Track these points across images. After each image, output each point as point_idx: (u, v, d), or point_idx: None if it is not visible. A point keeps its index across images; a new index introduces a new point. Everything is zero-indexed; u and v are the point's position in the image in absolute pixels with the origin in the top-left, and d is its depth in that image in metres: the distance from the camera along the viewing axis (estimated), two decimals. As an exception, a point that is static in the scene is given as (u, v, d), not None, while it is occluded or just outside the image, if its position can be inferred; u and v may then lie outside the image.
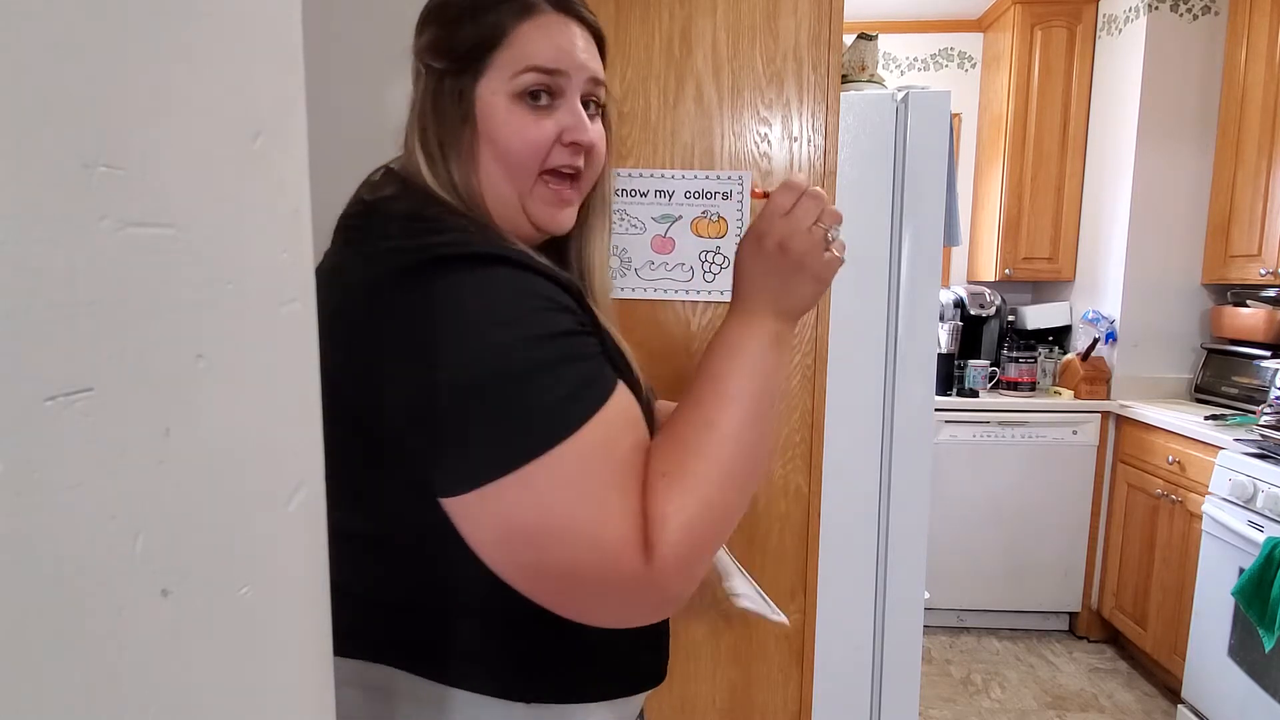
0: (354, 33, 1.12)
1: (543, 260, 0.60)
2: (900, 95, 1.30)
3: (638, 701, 0.73)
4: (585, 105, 0.65)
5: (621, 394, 0.56)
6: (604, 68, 0.68)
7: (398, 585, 0.62)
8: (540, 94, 0.61)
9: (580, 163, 0.64)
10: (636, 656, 0.69)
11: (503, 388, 0.51)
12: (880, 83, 1.43)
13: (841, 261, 0.63)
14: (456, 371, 0.51)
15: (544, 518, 0.50)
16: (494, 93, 0.61)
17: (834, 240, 0.62)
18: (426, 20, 0.65)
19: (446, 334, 0.51)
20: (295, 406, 0.33)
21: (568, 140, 0.62)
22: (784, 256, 0.60)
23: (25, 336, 0.21)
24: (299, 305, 0.33)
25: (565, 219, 0.66)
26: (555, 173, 0.64)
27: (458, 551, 0.57)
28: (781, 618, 0.78)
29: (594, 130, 0.65)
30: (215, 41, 0.28)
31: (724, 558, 0.78)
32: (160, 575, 0.26)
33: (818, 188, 0.61)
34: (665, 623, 0.71)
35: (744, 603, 0.69)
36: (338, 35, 1.12)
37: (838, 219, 0.62)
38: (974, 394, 2.78)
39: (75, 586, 0.23)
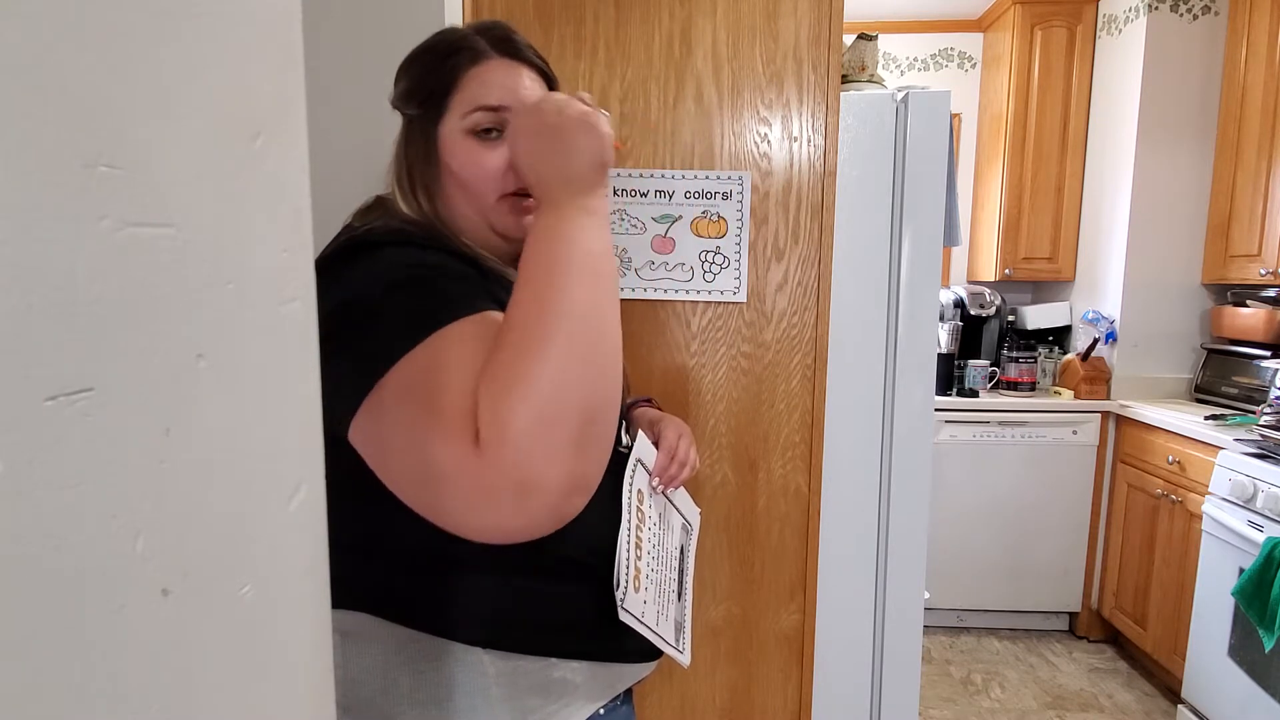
0: (354, 33, 1.12)
1: (461, 246, 0.69)
2: (900, 95, 1.30)
3: (622, 674, 0.74)
4: None
5: (487, 317, 0.59)
6: None
7: (360, 531, 0.65)
8: (491, 129, 0.70)
9: None
10: (608, 620, 0.70)
11: (357, 323, 0.58)
12: (880, 83, 1.43)
13: (591, 108, 0.63)
14: (331, 318, 0.58)
15: (391, 430, 0.55)
16: (451, 131, 0.70)
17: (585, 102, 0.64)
18: (400, 73, 0.74)
19: (334, 294, 0.58)
20: (295, 406, 0.33)
21: None
22: (539, 119, 0.61)
23: (25, 336, 0.21)
24: (299, 305, 0.33)
25: (529, 224, 0.73)
26: (514, 194, 0.71)
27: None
28: (680, 656, 0.76)
29: None
30: (215, 41, 0.28)
31: (657, 573, 0.76)
32: (160, 575, 0.26)
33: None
34: None
35: (624, 616, 0.68)
36: (338, 35, 1.12)
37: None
38: (974, 394, 2.78)
39: (75, 586, 0.23)
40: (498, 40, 0.71)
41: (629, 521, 0.71)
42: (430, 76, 0.71)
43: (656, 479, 0.78)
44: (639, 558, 0.72)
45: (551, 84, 0.76)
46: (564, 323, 0.54)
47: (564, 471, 0.52)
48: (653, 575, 0.74)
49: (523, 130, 0.62)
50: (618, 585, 0.68)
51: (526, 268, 0.58)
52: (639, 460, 0.76)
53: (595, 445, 0.55)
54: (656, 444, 0.81)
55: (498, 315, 0.59)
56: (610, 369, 0.57)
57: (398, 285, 0.60)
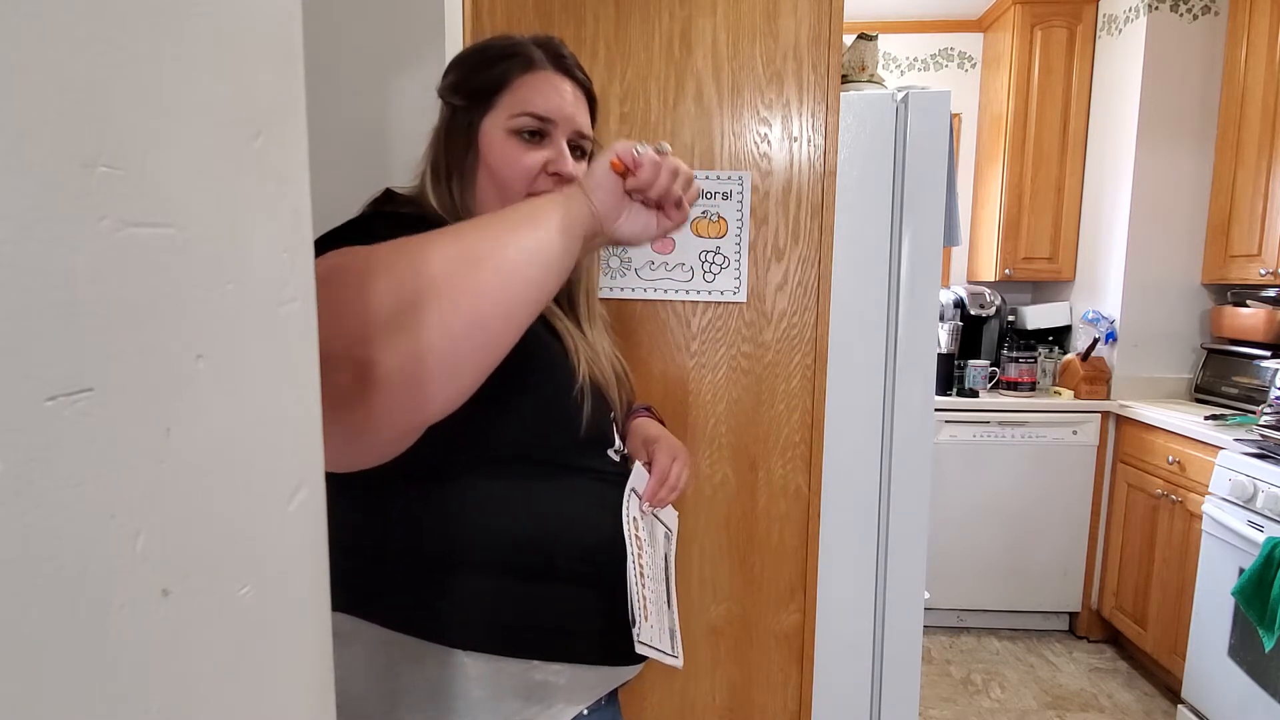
0: (354, 33, 1.12)
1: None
2: (900, 95, 1.30)
3: (607, 676, 0.74)
4: (572, 151, 0.76)
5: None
6: (594, 122, 0.79)
7: (341, 531, 0.65)
8: (533, 133, 0.73)
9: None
10: (591, 623, 0.70)
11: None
12: (880, 83, 1.43)
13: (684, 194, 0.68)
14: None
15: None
16: (495, 127, 0.73)
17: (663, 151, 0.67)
18: (452, 66, 0.77)
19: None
20: (295, 406, 0.33)
21: (551, 170, 0.73)
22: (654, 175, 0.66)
23: (25, 336, 0.21)
24: (299, 305, 0.33)
25: None
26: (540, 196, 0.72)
27: (393, 499, 0.63)
28: (675, 662, 0.77)
29: (576, 167, 0.75)
30: (215, 41, 0.28)
31: (639, 585, 0.76)
32: (160, 575, 0.26)
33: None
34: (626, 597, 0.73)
35: (641, 649, 0.70)
36: (338, 35, 1.12)
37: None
38: (974, 394, 2.78)
39: (75, 586, 0.23)
40: (552, 55, 0.75)
41: (633, 555, 0.72)
42: (482, 73, 0.74)
43: (646, 503, 0.78)
44: (644, 587, 0.72)
45: (593, 103, 0.79)
46: (450, 250, 0.54)
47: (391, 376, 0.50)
48: (653, 598, 0.75)
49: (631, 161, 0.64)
50: (634, 623, 0.69)
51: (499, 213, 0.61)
52: (633, 490, 0.76)
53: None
54: (649, 465, 0.81)
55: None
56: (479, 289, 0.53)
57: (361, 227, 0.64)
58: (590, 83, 0.79)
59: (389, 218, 0.69)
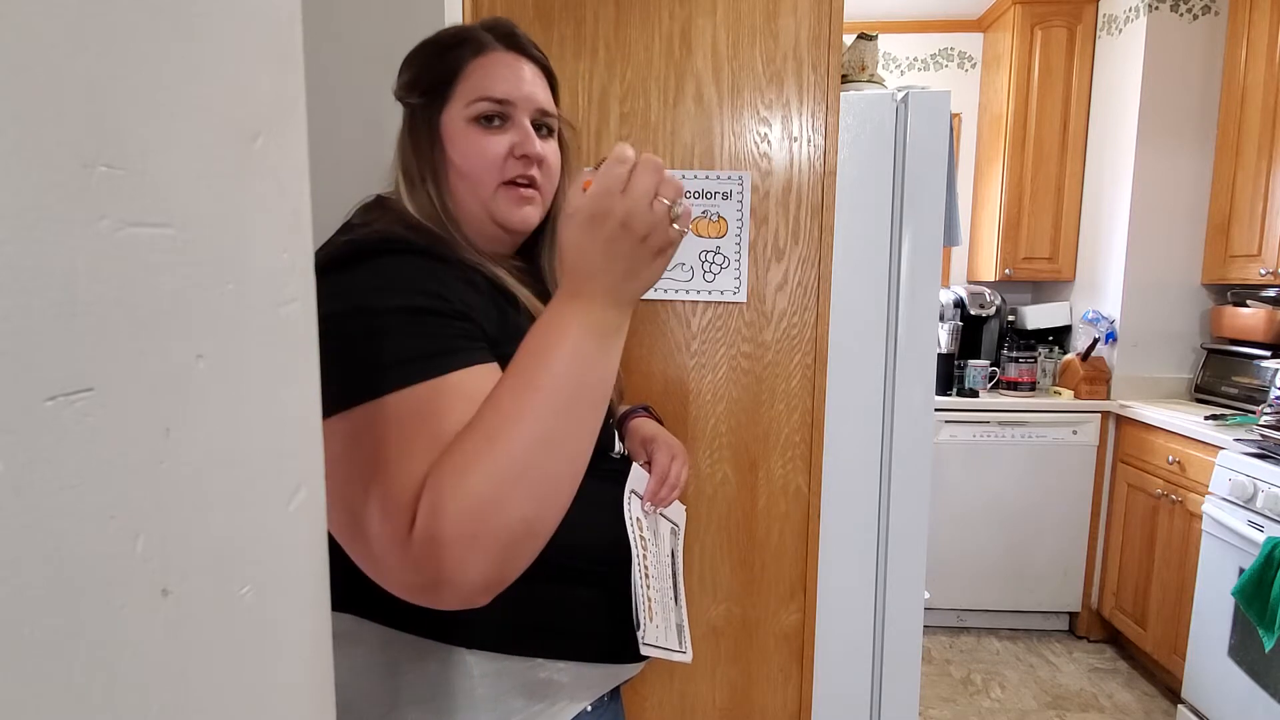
0: (354, 33, 1.12)
1: (463, 253, 0.67)
2: (900, 95, 1.30)
3: (610, 674, 0.74)
4: (537, 130, 0.73)
5: (466, 376, 0.57)
6: (555, 100, 0.77)
7: None
8: (493, 118, 0.71)
9: (534, 172, 0.72)
10: (595, 622, 0.70)
11: (351, 338, 0.55)
12: (880, 83, 1.43)
13: (684, 234, 0.56)
14: (326, 322, 0.55)
15: (337, 465, 0.52)
16: (454, 119, 0.71)
17: (677, 215, 0.54)
18: (405, 64, 0.75)
19: (333, 297, 0.53)
20: (295, 407, 0.33)
21: (519, 153, 0.71)
22: (627, 236, 0.53)
23: (25, 336, 0.21)
24: (299, 305, 0.33)
25: (528, 215, 0.74)
26: (513, 183, 0.72)
27: None
28: (684, 658, 0.76)
29: (544, 146, 0.73)
30: (215, 41, 0.28)
31: (645, 585, 0.75)
32: (160, 575, 0.26)
33: (652, 155, 0.54)
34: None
35: (646, 650, 0.69)
36: (338, 35, 1.12)
37: (678, 190, 0.55)
38: (974, 394, 2.78)
39: (75, 586, 0.23)
40: (502, 35, 0.73)
41: (638, 556, 0.71)
42: (435, 66, 0.72)
43: (648, 503, 0.78)
44: (649, 587, 0.72)
45: (553, 80, 0.77)
46: (527, 441, 0.52)
47: (481, 577, 0.53)
48: (659, 597, 0.74)
49: (606, 223, 0.53)
50: (638, 625, 0.68)
51: (519, 363, 0.55)
52: (632, 491, 0.75)
53: (521, 559, 0.55)
54: (648, 464, 0.81)
55: (484, 373, 0.58)
56: (561, 495, 0.55)
57: (398, 312, 0.58)
58: (547, 60, 0.76)
59: (405, 254, 0.63)
